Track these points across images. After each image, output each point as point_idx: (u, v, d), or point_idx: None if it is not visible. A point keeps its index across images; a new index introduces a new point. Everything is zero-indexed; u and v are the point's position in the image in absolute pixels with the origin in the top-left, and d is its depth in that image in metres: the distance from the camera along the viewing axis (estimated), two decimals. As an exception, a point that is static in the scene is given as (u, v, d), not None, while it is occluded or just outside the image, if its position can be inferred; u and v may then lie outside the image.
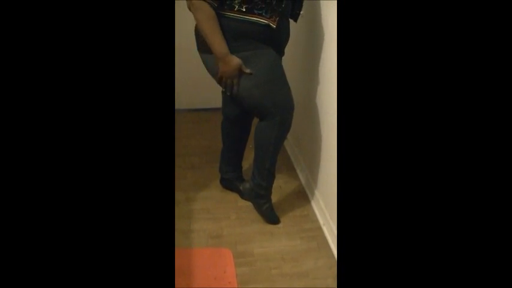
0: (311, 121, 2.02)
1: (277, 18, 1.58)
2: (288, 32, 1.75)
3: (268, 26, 1.57)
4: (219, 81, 1.67)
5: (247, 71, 1.60)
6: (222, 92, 1.86)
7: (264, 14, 1.56)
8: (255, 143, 1.83)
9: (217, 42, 1.55)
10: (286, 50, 1.81)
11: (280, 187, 2.18)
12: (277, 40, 1.67)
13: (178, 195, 2.08)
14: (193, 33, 1.70)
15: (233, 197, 2.10)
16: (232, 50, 1.58)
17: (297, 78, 2.20)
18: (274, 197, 1.95)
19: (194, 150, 2.54)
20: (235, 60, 1.58)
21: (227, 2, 1.53)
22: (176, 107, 3.01)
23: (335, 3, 1.56)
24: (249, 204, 2.02)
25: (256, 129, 1.81)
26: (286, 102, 1.72)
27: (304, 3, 1.79)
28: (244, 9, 1.55)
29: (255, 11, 1.55)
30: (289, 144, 2.55)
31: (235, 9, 1.54)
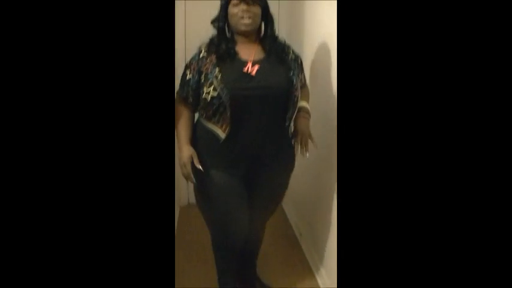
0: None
1: (228, 127, 1.38)
2: (263, 146, 1.45)
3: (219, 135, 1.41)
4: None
5: (199, 166, 1.42)
6: None
7: (215, 121, 1.41)
8: None
9: (177, 132, 1.47)
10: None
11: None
12: (236, 155, 1.44)
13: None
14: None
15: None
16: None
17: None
18: None
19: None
20: (186, 152, 1.44)
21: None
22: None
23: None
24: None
25: None
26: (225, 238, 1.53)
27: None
28: (204, 115, 1.45)
29: (211, 118, 1.42)
30: (304, 241, 2.34)
31: (200, 113, 1.47)
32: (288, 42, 1.56)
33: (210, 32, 1.49)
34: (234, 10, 1.40)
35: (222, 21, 1.44)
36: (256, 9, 1.40)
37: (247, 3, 1.38)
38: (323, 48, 1.76)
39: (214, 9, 1.49)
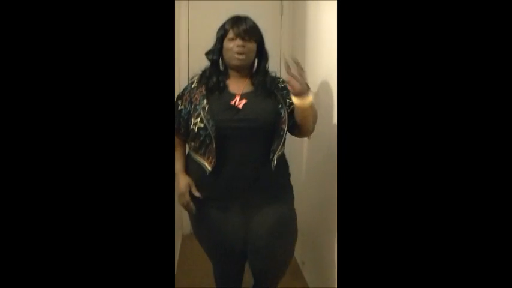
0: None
1: (214, 160, 1.38)
2: (251, 179, 1.44)
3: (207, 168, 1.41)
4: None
5: (197, 194, 1.45)
6: None
7: (202, 154, 1.42)
8: None
9: (175, 161, 1.49)
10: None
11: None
12: (225, 187, 1.43)
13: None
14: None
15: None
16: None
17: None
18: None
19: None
20: (183, 181, 1.45)
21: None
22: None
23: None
24: None
25: None
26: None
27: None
28: (192, 148, 1.47)
29: (198, 151, 1.43)
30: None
31: (189, 145, 1.48)
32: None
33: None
34: (229, 45, 1.42)
35: (216, 54, 1.46)
36: (252, 45, 1.42)
37: (243, 39, 1.40)
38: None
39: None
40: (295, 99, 1.34)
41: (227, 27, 1.44)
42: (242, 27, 1.41)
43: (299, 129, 1.48)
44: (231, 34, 1.42)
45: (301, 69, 1.29)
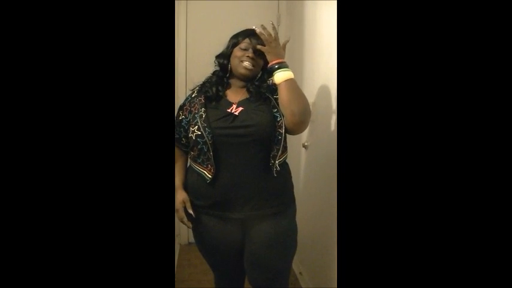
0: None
1: (213, 168, 1.38)
2: (251, 186, 1.41)
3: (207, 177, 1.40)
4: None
5: (190, 211, 1.44)
6: None
7: (201, 163, 1.41)
8: None
9: (175, 175, 1.49)
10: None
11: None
12: (225, 196, 1.41)
13: None
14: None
15: None
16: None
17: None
18: None
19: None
20: (179, 197, 1.45)
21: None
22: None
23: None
24: None
25: None
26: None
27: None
28: (192, 158, 1.46)
29: (197, 160, 1.43)
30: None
31: (189, 155, 1.48)
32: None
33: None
34: (239, 53, 1.43)
35: (226, 59, 1.48)
36: (261, 62, 1.44)
37: (255, 53, 1.42)
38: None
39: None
40: (276, 77, 1.37)
41: (241, 37, 1.46)
42: (257, 41, 1.41)
43: (286, 118, 1.38)
44: (244, 44, 1.44)
45: (276, 33, 1.38)
